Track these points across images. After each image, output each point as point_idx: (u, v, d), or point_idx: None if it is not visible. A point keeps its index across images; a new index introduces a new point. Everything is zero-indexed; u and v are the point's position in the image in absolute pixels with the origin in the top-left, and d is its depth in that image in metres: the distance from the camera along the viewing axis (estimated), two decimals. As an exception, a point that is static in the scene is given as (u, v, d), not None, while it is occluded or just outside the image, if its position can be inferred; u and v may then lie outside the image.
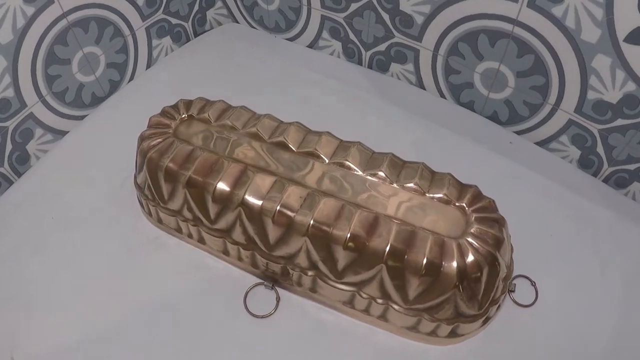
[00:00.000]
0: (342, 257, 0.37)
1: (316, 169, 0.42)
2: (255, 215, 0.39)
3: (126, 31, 0.58)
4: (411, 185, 0.40)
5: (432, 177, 0.41)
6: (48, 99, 0.53)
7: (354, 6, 0.58)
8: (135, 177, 0.47)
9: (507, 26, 0.49)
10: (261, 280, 0.43)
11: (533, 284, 0.43)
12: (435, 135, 0.55)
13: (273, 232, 0.39)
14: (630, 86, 0.44)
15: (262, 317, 0.41)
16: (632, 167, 0.50)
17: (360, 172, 0.41)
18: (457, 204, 0.39)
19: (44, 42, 0.50)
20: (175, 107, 0.47)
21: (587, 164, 0.53)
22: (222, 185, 0.40)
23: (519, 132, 0.56)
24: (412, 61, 0.59)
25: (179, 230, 0.45)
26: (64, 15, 0.51)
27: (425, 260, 0.35)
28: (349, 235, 0.36)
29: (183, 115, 0.46)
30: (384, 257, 0.36)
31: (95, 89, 0.58)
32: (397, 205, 0.39)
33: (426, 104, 0.59)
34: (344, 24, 0.61)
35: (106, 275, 0.44)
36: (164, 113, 0.47)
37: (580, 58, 0.46)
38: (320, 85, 0.60)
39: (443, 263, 0.35)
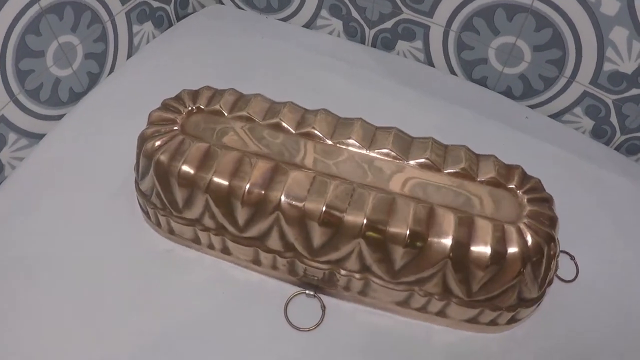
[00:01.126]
0: (401, 257, 0.34)
1: (354, 160, 0.37)
2: (297, 219, 0.34)
3: (105, 16, 0.51)
4: (458, 170, 0.37)
5: (477, 161, 0.38)
6: (20, 98, 0.46)
7: (358, -19, 0.54)
8: (137, 184, 0.41)
9: (526, 0, 0.47)
10: (301, 289, 0.38)
11: (572, 258, 0.42)
12: (450, 112, 0.53)
13: (319, 236, 0.35)
14: (646, 56, 0.44)
15: (309, 329, 0.37)
16: (644, 134, 0.50)
17: (403, 161, 0.37)
18: (508, 186, 0.37)
19: (14, 32, 0.43)
20: (178, 99, 0.41)
21: (600, 133, 0.53)
22: (254, 187, 0.35)
23: (532, 106, 0.55)
24: (421, 38, 0.56)
25: (196, 241, 0.40)
26: (36, -1, 0.44)
27: (490, 250, 0.33)
28: (408, 233, 0.33)
29: (190, 108, 0.40)
30: (447, 251, 0.33)
31: (73, 84, 0.51)
32: (448, 192, 0.36)
33: (437, 82, 0.56)
34: (346, 0, 0.57)
35: (114, 302, 0.38)
36: (165, 107, 0.41)
37: (598, 31, 0.46)
38: (323, 67, 0.56)
39: (507, 251, 0.33)
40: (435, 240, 0.33)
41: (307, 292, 0.38)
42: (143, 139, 0.39)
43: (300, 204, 0.34)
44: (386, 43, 0.59)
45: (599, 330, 0.38)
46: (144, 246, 0.41)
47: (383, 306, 0.38)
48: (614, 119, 0.50)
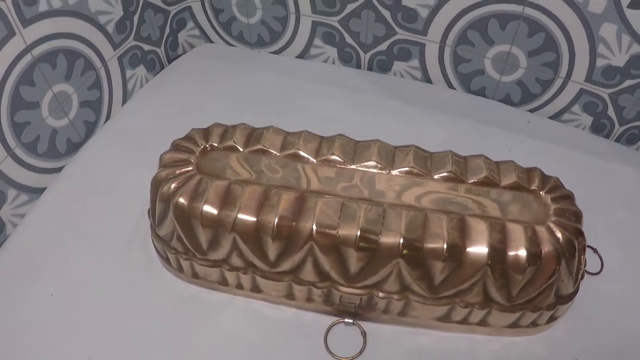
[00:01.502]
0: (440, 271, 0.33)
1: (378, 181, 0.37)
2: (331, 247, 0.33)
3: (97, 63, 0.50)
4: (481, 179, 0.37)
5: (497, 168, 0.39)
6: (17, 152, 0.44)
7: (350, 7, 0.55)
8: (153, 229, 0.39)
9: (517, 8, 0.49)
10: (339, 318, 0.37)
11: (595, 251, 0.42)
12: (453, 126, 0.53)
13: (356, 262, 0.34)
14: (636, 48, 0.46)
15: (352, 358, 0.36)
16: (641, 122, 0.51)
17: (427, 177, 0.37)
18: (530, 188, 0.37)
19: (7, 83, 0.41)
20: (189, 138, 0.40)
21: (599, 128, 0.54)
22: (283, 220, 0.34)
23: (532, 110, 0.56)
24: (417, 57, 0.57)
25: (223, 282, 0.38)
26: (28, 49, 0.42)
27: (526, 254, 0.33)
28: (445, 246, 0.33)
29: (203, 147, 0.39)
30: (485, 260, 0.33)
31: (70, 134, 0.49)
32: (476, 202, 0.36)
33: (437, 97, 0.57)
34: (339, 27, 0.57)
35: (142, 357, 0.36)
36: (176, 147, 0.40)
37: (588, 29, 0.47)
38: (321, 95, 0.56)
39: (542, 250, 0.33)
40: (472, 250, 0.33)
41: (345, 320, 0.37)
42: (157, 183, 0.37)
43: (333, 232, 0.33)
44: (382, 65, 0.59)
45: (632, 316, 0.39)
46: (167, 294, 0.39)
47: (424, 324, 0.37)
48: (611, 112, 0.51)
